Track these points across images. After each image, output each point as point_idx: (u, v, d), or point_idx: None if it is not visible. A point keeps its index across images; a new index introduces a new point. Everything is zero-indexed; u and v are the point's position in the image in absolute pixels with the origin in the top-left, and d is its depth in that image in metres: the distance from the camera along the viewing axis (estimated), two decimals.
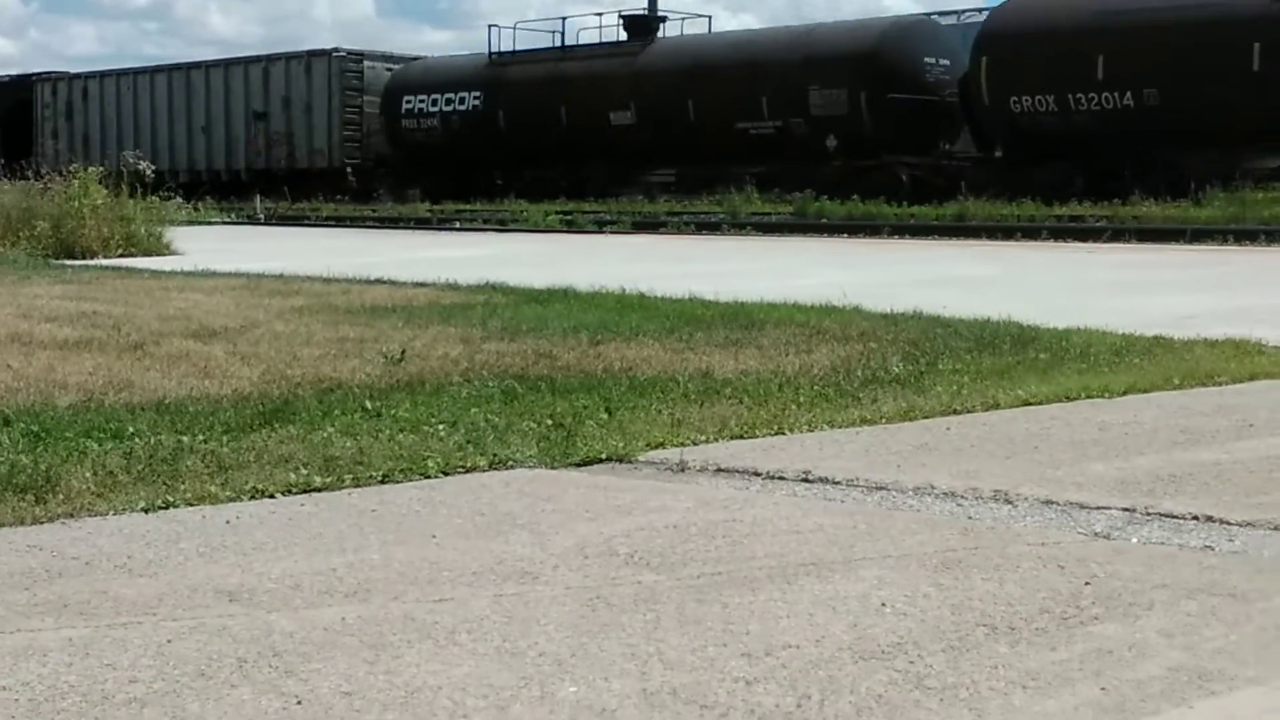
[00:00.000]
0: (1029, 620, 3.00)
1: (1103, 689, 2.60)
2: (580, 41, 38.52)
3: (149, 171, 20.37)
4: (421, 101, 40.18)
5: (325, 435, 5.00)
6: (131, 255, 17.29)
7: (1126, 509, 4.01)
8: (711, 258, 16.88)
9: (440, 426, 5.14)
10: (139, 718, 2.52)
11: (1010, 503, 4.13)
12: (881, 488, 4.34)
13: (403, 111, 40.50)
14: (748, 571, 3.39)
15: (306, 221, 33.70)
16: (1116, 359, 6.91)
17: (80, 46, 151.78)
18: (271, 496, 4.24)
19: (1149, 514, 3.96)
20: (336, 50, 42.62)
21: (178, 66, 47.04)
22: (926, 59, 32.17)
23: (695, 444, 4.98)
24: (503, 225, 28.68)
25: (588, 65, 36.77)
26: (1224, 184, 24.91)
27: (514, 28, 44.33)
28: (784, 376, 6.33)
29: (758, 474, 4.55)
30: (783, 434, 5.20)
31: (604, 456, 4.78)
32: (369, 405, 5.54)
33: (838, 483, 4.41)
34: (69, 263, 15.87)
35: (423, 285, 11.41)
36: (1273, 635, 2.91)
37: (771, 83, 32.45)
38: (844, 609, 3.08)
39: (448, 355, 7.02)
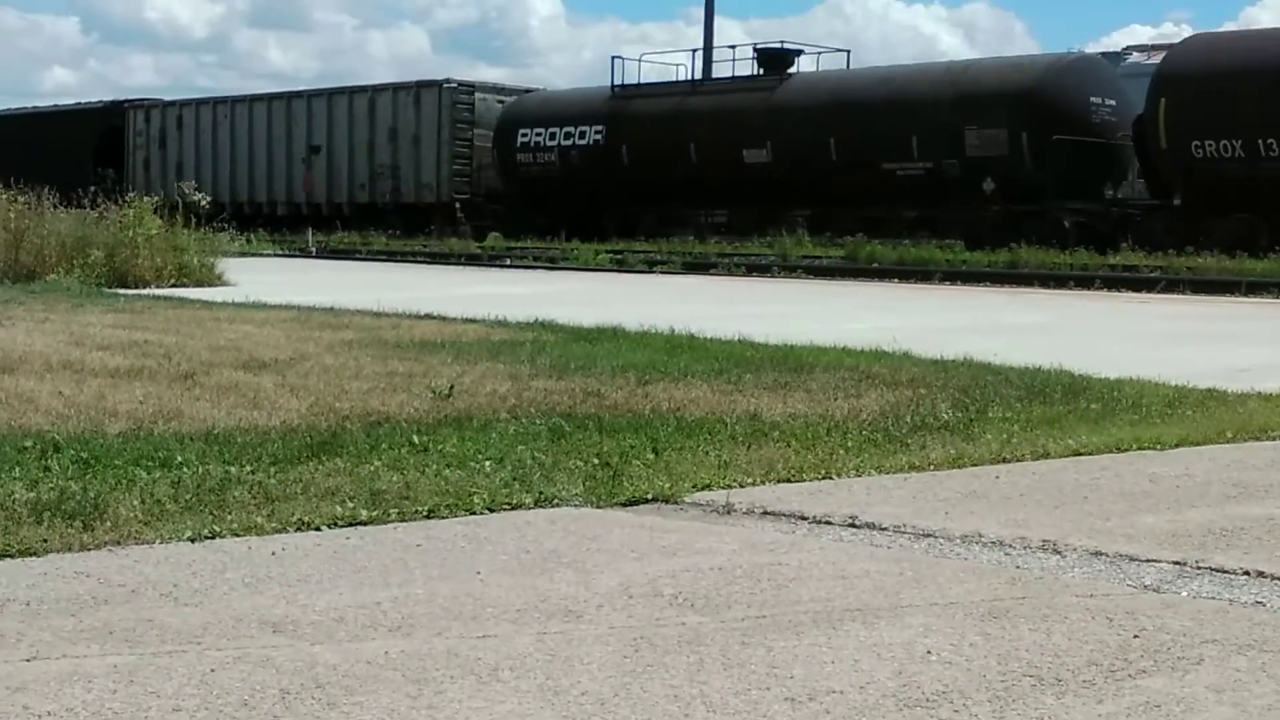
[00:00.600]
0: (1076, 672, 2.97)
1: None
2: (712, 76, 36.59)
3: (204, 202, 20.52)
4: (538, 135, 37.73)
5: (372, 469, 5.01)
6: (184, 285, 17.42)
7: (1177, 562, 3.97)
8: (761, 300, 16.87)
9: (487, 463, 5.15)
10: None
11: (1059, 553, 4.10)
12: (929, 535, 4.31)
13: (518, 145, 38.07)
14: (792, 615, 3.37)
15: (357, 255, 33.79)
16: (1169, 410, 6.86)
17: (139, 78, 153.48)
18: (317, 529, 4.25)
19: (1199, 568, 3.92)
20: (448, 81, 40.33)
21: (278, 95, 44.97)
22: (1093, 98, 29.97)
23: (742, 486, 4.97)
24: (553, 263, 28.76)
25: (720, 100, 34.58)
26: None
27: (639, 60, 42.78)
28: (832, 421, 6.31)
29: (804, 518, 4.53)
30: (830, 478, 5.18)
31: (650, 497, 4.78)
32: (416, 440, 5.55)
33: (885, 529, 4.38)
34: (122, 291, 15.99)
35: (472, 321, 11.44)
36: None
37: (922, 121, 30.34)
38: (889, 655, 3.06)
39: (496, 392, 7.04)
